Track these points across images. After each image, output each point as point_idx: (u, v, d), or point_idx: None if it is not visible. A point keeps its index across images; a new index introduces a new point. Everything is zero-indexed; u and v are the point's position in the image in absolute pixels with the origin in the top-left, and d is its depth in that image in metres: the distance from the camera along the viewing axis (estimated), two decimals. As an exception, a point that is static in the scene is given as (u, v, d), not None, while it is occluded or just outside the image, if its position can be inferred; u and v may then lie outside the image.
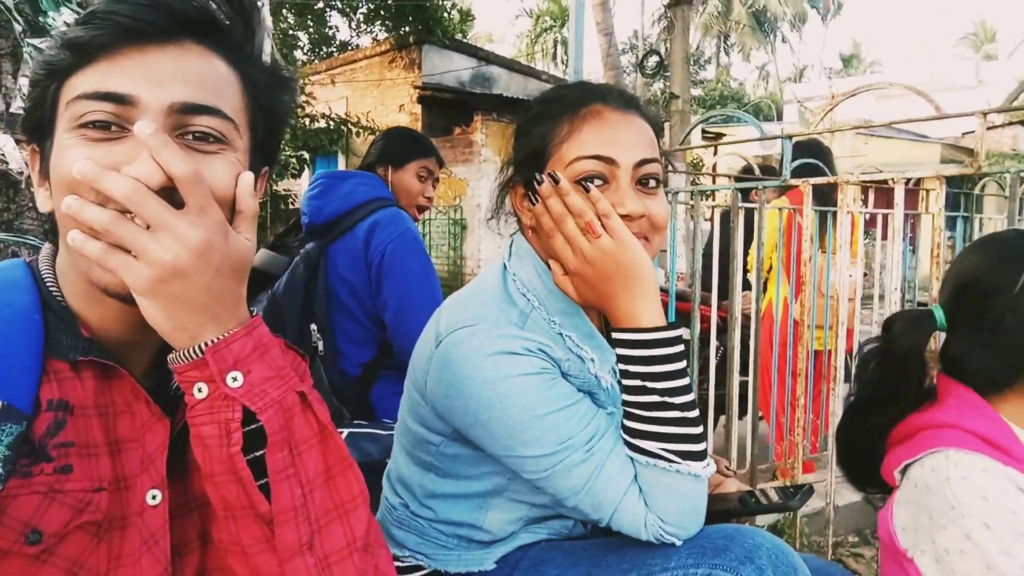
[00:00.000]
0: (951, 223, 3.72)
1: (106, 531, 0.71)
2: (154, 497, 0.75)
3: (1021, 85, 1.73)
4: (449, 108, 12.61)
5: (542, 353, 1.02)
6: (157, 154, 0.63)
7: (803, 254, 2.17)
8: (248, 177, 0.72)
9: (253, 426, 0.68)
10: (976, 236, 3.72)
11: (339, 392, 2.15)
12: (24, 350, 0.68)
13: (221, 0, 0.74)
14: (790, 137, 2.09)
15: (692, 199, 2.49)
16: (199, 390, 0.67)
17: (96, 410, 0.72)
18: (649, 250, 1.07)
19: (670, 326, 1.02)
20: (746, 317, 2.74)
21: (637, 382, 1.01)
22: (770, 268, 3.04)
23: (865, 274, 4.12)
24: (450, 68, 13.17)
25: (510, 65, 14.68)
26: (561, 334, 1.08)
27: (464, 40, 15.56)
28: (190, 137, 0.70)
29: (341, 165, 13.06)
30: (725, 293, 2.77)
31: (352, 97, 14.18)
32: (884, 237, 2.89)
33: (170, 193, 0.64)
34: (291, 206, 11.12)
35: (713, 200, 3.19)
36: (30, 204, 1.37)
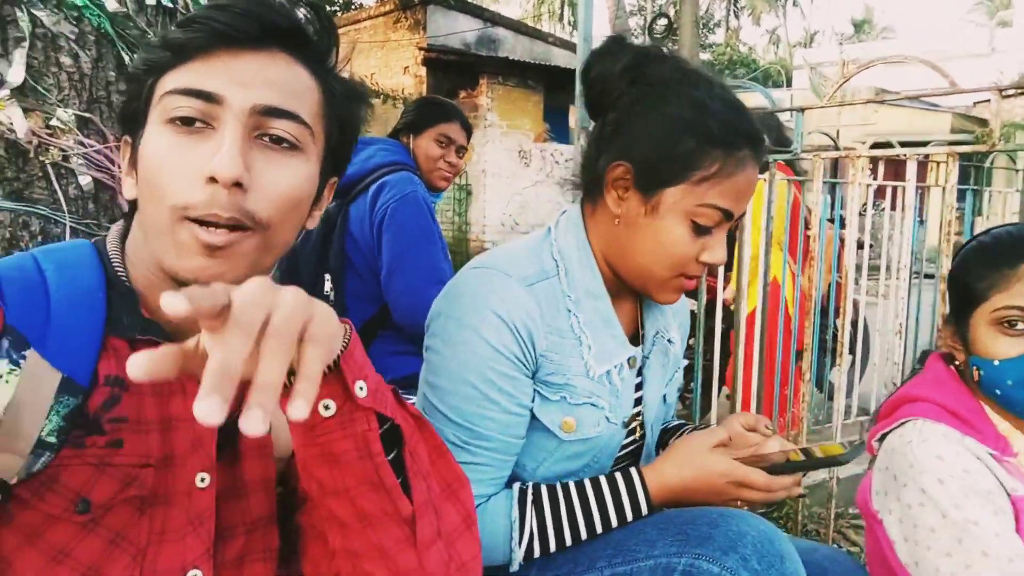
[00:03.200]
0: (960, 195, 3.68)
1: (149, 505, 0.73)
2: (203, 480, 0.76)
3: (1039, 60, 1.70)
4: (454, 71, 12.47)
5: (519, 336, 1.03)
6: None
7: (812, 229, 2.16)
8: None
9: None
10: (985, 208, 3.69)
11: (336, 347, 2.21)
12: (86, 326, 0.71)
13: (311, 14, 0.79)
14: (802, 110, 2.07)
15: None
16: (325, 407, 0.65)
17: (151, 388, 0.73)
18: (695, 284, 1.12)
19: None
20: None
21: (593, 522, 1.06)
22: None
23: (871, 245, 4.10)
24: (456, 30, 12.98)
25: (516, 27, 14.47)
26: (569, 310, 1.08)
27: (470, 1, 15.32)
28: (267, 139, 0.74)
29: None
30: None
31: (356, 58, 14.00)
32: (892, 207, 2.87)
33: (239, 188, 0.69)
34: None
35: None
36: (39, 174, 1.36)
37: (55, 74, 1.34)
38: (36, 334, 0.68)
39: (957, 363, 1.23)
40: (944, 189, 1.97)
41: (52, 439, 0.67)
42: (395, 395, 0.74)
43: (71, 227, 1.39)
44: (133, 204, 0.78)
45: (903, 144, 2.23)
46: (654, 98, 1.04)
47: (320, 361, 0.54)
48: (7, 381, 0.65)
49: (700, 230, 1.03)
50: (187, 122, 0.71)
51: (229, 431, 0.77)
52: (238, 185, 0.69)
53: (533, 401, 1.06)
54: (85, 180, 1.38)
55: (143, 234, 0.75)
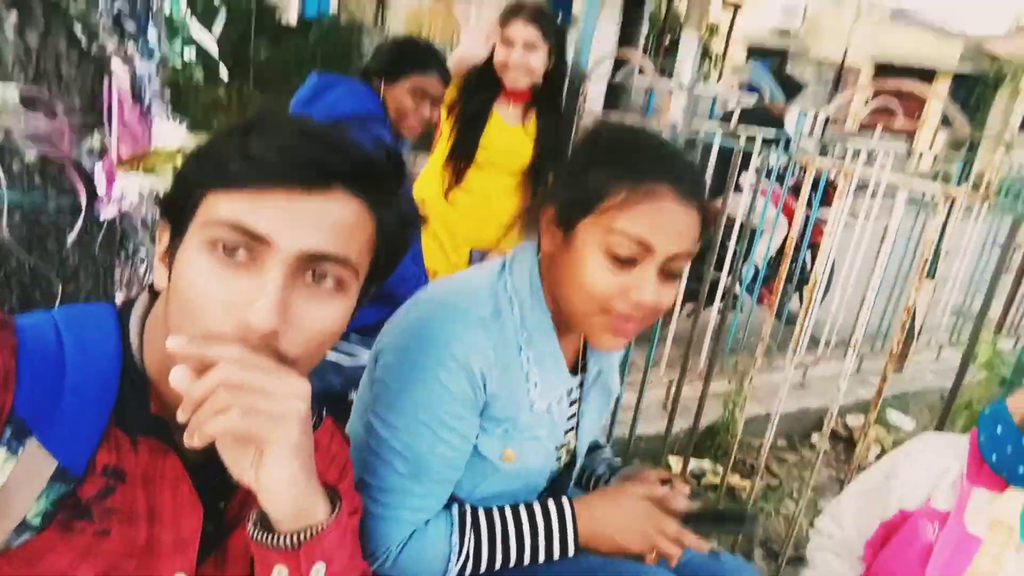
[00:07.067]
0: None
1: None
2: None
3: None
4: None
5: (474, 379, 1.05)
6: None
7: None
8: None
9: None
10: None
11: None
12: (93, 417, 0.71)
13: (384, 156, 0.76)
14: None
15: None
16: (279, 573, 0.71)
17: (143, 480, 0.74)
18: (635, 329, 1.06)
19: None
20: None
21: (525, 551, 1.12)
22: None
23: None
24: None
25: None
26: (521, 347, 1.11)
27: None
28: (310, 275, 0.71)
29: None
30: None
31: None
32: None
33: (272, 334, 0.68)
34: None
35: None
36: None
37: (-1, 48, 1.25)
38: (43, 418, 0.68)
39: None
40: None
41: (36, 521, 0.67)
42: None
43: (12, 203, 1.32)
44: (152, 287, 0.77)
45: (906, 71, 2.08)
46: (582, 146, 1.11)
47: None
48: (1, 469, 0.65)
49: (620, 262, 1.01)
50: (231, 250, 0.68)
51: (216, 536, 0.80)
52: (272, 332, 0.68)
53: (477, 437, 1.10)
54: (31, 154, 1.30)
55: (168, 325, 0.71)
